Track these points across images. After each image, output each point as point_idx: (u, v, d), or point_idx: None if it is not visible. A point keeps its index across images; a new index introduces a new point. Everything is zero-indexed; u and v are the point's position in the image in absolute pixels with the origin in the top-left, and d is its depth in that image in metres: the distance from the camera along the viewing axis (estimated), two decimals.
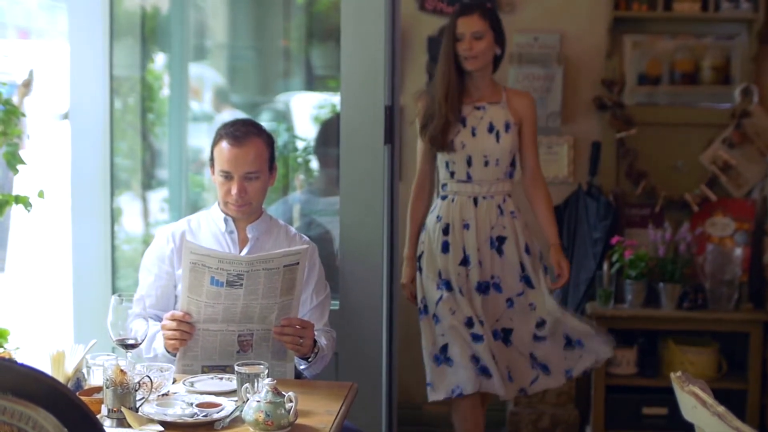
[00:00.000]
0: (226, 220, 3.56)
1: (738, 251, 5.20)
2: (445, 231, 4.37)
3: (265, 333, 3.28)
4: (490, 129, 4.34)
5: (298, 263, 3.23)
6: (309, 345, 3.34)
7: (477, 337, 4.24)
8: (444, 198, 4.42)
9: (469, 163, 4.34)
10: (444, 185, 4.43)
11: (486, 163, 4.34)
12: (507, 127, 4.34)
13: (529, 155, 4.44)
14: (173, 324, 3.23)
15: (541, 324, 4.36)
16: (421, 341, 4.39)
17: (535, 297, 4.38)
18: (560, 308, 4.41)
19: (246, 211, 3.52)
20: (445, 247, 4.36)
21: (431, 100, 4.38)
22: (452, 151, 4.34)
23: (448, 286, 4.32)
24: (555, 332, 4.36)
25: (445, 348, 4.29)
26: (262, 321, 3.26)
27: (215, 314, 3.21)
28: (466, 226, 4.35)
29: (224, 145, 3.47)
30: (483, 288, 4.35)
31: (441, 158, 4.42)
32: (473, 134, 4.33)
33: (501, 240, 4.36)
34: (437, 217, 4.41)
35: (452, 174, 4.39)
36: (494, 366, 4.21)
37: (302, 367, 3.44)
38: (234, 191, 3.45)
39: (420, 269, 4.43)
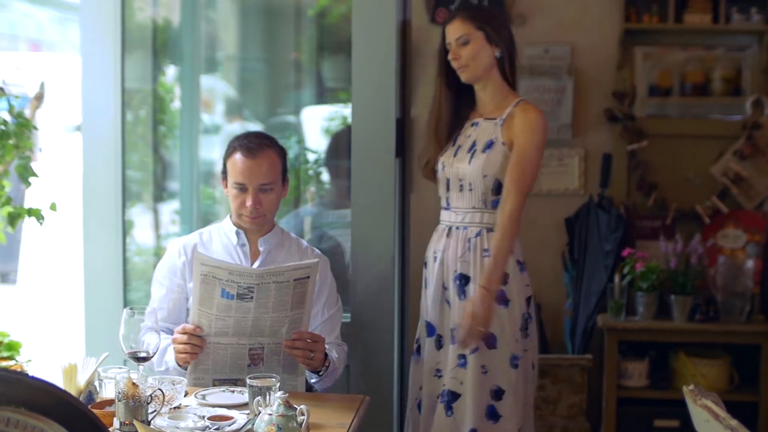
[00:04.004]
0: (238, 233, 3.57)
1: (749, 263, 5.18)
2: (426, 265, 3.86)
3: (276, 346, 3.28)
4: (471, 148, 3.72)
5: (308, 277, 3.24)
6: (320, 359, 3.35)
7: None
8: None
9: (447, 187, 3.78)
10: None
11: (461, 188, 3.72)
12: (488, 146, 3.67)
13: (506, 180, 3.65)
14: (184, 337, 3.24)
15: (498, 393, 3.64)
16: None
17: (491, 359, 3.64)
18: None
19: (260, 222, 3.53)
20: (426, 283, 3.85)
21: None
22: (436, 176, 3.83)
23: (429, 330, 3.80)
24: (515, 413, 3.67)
25: None
26: (273, 334, 3.26)
27: (226, 327, 3.22)
28: (436, 259, 3.78)
29: (238, 157, 3.48)
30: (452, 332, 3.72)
31: None
32: (455, 154, 3.76)
33: (465, 279, 3.69)
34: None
35: (440, 200, 3.87)
36: None
37: (313, 380, 3.45)
38: (249, 203, 3.46)
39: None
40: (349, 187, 4.11)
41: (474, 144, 3.72)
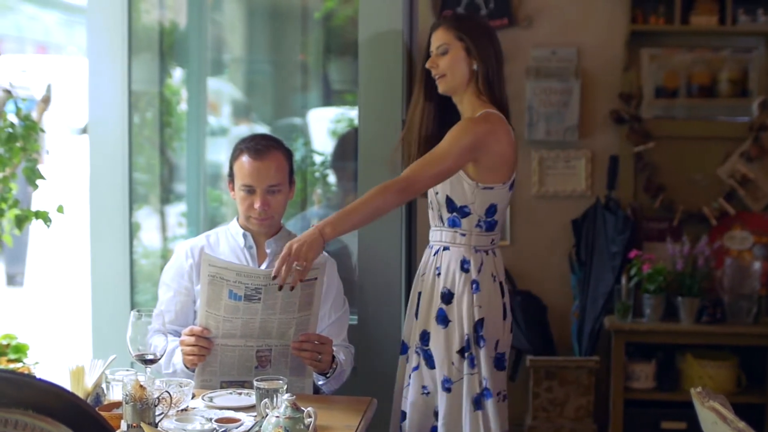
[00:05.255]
0: (245, 236, 3.57)
1: (756, 265, 5.18)
2: None
3: (284, 348, 3.28)
4: None
5: (316, 278, 3.23)
6: (327, 361, 3.34)
7: None
8: None
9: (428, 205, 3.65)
10: None
11: (427, 206, 3.62)
12: None
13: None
14: (192, 339, 3.24)
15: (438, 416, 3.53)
16: None
17: (432, 380, 3.52)
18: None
19: (268, 224, 3.54)
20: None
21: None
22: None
23: (402, 348, 3.65)
24: None
25: None
26: (281, 336, 3.26)
27: (234, 329, 3.22)
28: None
29: (245, 159, 3.48)
30: None
31: None
32: None
33: (419, 297, 3.57)
34: None
35: None
36: None
37: (320, 382, 3.44)
38: (257, 205, 3.46)
39: None
40: (355, 189, 4.10)
41: None
